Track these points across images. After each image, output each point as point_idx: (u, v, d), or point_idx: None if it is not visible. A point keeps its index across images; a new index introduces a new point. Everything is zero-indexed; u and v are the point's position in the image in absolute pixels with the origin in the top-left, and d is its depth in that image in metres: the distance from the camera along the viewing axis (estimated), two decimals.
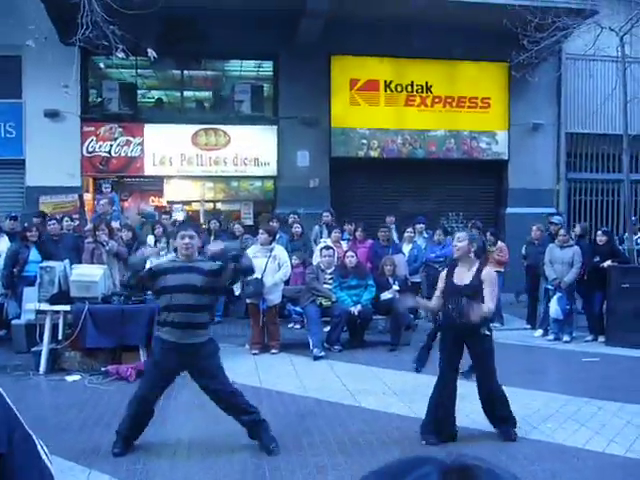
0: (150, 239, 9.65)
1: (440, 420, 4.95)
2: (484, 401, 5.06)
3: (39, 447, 1.09)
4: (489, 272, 5.01)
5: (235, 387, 4.81)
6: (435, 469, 0.50)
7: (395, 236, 10.81)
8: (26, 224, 9.68)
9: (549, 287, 9.09)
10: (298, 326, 9.69)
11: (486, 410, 5.08)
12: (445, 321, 5.10)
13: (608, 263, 8.81)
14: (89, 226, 9.39)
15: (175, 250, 5.11)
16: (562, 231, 9.21)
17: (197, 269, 4.67)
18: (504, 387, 5.08)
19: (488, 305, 4.81)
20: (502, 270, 9.87)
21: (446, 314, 5.06)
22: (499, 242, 10.31)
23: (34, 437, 1.09)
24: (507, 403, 5.04)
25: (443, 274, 5.19)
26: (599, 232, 9.30)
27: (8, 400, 1.09)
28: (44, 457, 1.08)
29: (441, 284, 5.14)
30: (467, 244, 5.00)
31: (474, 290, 4.87)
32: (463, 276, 4.98)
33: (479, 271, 4.94)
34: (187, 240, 4.71)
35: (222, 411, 4.74)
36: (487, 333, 4.91)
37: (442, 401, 4.96)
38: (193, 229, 4.91)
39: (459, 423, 5.03)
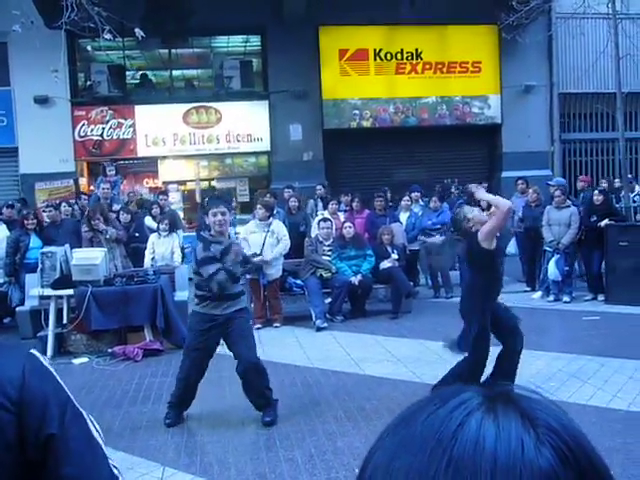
0: (148, 220, 9.65)
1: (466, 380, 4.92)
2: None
3: (90, 425, 1.07)
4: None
5: None
6: (477, 394, 0.53)
7: None
8: (24, 212, 9.67)
9: (547, 249, 9.13)
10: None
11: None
12: None
13: (605, 222, 8.85)
14: (85, 214, 9.36)
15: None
16: (558, 192, 9.20)
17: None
18: None
19: None
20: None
21: None
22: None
23: (85, 415, 1.07)
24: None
25: None
26: (595, 192, 9.30)
27: (59, 379, 1.07)
28: (96, 435, 1.07)
29: None
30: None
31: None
32: None
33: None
34: (219, 217, 4.70)
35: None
36: None
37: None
38: (224, 205, 4.87)
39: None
